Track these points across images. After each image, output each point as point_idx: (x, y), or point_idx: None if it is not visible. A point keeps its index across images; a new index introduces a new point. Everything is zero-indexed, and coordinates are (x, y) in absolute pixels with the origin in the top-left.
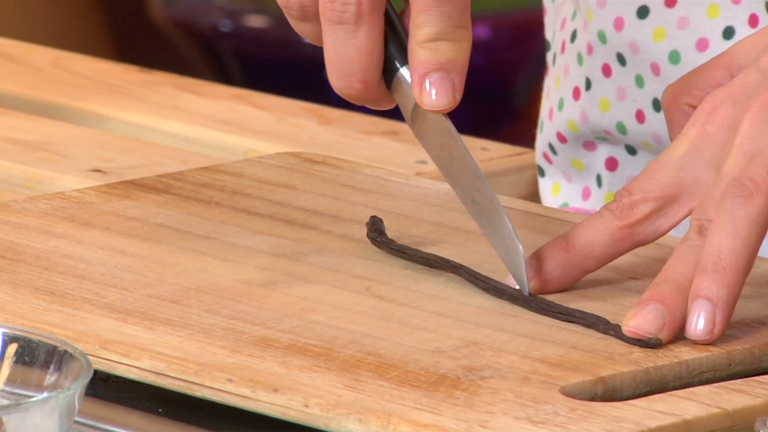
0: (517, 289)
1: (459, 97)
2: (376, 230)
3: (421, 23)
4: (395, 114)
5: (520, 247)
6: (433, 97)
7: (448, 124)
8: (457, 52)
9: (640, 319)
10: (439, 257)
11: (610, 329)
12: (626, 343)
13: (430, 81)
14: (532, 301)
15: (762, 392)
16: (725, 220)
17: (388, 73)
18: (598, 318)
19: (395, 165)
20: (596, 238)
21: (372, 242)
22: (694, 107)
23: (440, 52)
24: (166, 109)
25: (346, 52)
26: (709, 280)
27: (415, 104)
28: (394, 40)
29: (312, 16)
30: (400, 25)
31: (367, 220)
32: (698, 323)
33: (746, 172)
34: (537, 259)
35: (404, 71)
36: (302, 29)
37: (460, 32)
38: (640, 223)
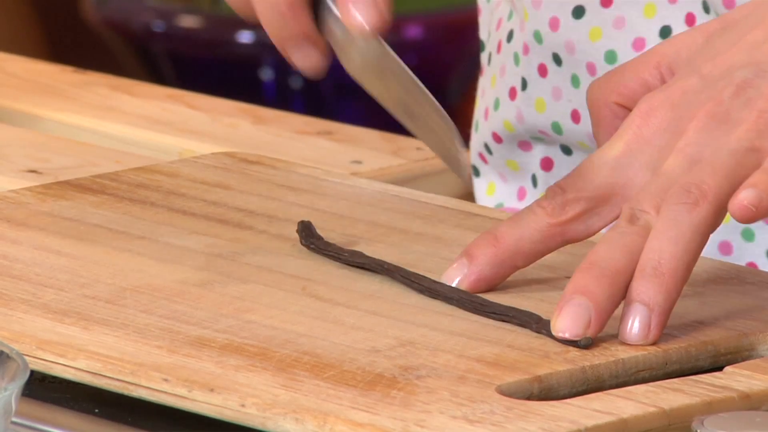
0: (451, 288)
1: (387, 16)
2: (308, 235)
3: None
4: (330, 114)
5: (462, 149)
6: (359, 16)
7: (383, 45)
8: None
9: (566, 321)
10: (374, 260)
11: (543, 327)
12: (569, 345)
13: (353, 3)
14: (466, 300)
15: (698, 391)
16: (668, 226)
17: (318, 13)
18: (531, 316)
19: (330, 165)
20: (526, 234)
21: (307, 248)
22: (623, 106)
23: None
24: (100, 109)
25: None
26: (647, 284)
27: (345, 32)
28: None
29: None
30: None
31: (302, 220)
32: (633, 327)
33: (692, 178)
34: (467, 257)
35: (330, 3)
36: None
37: None
38: (571, 221)
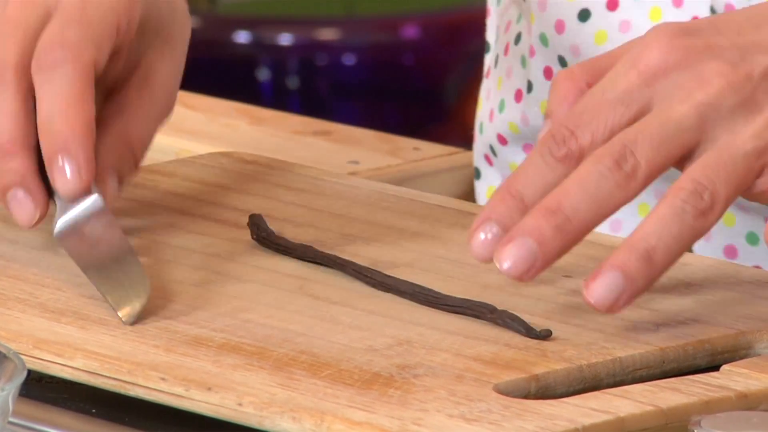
0: (404, 282)
1: (87, 179)
2: (258, 229)
3: None
4: (326, 114)
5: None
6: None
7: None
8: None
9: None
10: (325, 255)
11: (499, 317)
12: (527, 336)
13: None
14: (419, 294)
15: (696, 390)
16: (673, 219)
17: None
18: (485, 306)
19: (327, 164)
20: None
21: (258, 243)
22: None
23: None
24: None
25: None
26: (636, 262)
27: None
28: None
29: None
30: None
31: (298, 218)
32: (605, 290)
33: (707, 181)
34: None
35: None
36: None
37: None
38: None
